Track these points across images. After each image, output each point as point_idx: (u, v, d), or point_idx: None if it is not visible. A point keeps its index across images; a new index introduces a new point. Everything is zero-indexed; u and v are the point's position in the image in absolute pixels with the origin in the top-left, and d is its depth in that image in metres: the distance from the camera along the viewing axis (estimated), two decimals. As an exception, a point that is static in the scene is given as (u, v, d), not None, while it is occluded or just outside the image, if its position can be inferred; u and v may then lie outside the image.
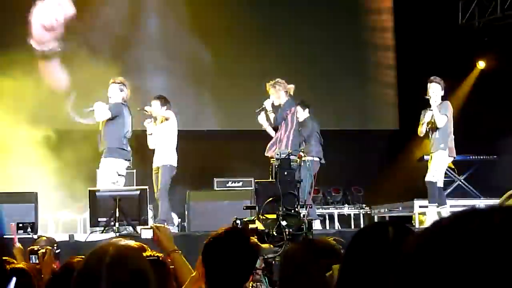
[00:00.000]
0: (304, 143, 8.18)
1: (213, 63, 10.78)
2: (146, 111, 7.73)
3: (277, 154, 6.23)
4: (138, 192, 6.91)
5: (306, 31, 10.95)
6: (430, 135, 7.61)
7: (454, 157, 7.69)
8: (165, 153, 7.73)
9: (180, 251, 2.96)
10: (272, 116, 7.71)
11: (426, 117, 7.59)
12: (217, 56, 10.76)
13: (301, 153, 6.16)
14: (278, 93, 7.65)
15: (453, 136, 7.58)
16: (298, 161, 5.94)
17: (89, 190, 6.94)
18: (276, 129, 7.74)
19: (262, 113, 7.78)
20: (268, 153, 7.44)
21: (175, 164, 7.74)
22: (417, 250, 0.73)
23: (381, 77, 11.47)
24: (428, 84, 7.58)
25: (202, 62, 10.74)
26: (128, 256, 1.63)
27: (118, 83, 7.58)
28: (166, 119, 7.72)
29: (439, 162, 7.53)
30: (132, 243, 1.92)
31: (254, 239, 2.71)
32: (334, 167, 9.13)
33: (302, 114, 8.45)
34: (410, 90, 10.66)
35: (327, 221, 10.10)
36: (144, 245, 2.35)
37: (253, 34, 10.94)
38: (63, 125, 8.64)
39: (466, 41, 10.50)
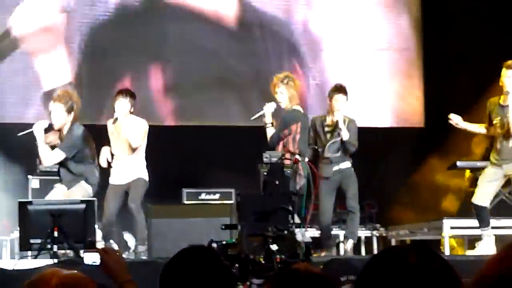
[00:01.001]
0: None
1: (185, 35, 10.76)
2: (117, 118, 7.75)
3: (266, 158, 6.23)
4: (83, 205, 6.86)
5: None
6: (498, 141, 7.34)
7: None
8: (137, 166, 7.87)
9: (135, 282, 2.96)
10: (270, 132, 7.51)
11: (500, 115, 7.19)
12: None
13: (297, 157, 6.17)
14: (290, 92, 7.51)
15: None
16: (294, 167, 5.96)
17: (19, 202, 6.89)
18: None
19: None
20: None
21: (147, 179, 7.92)
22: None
23: (402, 61, 11.49)
24: (504, 71, 7.01)
25: (170, 35, 10.73)
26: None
27: (67, 100, 7.34)
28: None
29: None
30: (76, 272, 1.93)
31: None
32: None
33: (345, 104, 7.99)
34: (439, 76, 10.73)
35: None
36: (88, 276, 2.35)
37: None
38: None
39: None
